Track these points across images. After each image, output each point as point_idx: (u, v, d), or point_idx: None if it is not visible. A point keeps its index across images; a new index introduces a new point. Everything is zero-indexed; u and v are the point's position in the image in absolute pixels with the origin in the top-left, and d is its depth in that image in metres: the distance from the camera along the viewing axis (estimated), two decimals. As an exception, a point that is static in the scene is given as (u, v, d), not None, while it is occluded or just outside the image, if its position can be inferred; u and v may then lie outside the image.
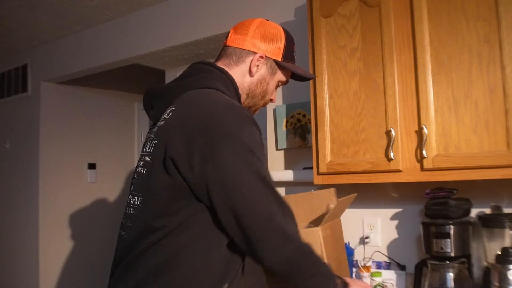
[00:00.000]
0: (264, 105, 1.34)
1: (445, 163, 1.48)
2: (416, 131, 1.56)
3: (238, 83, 1.24)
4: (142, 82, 3.63)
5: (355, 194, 1.59)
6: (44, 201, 3.38)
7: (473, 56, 1.46)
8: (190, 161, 1.02)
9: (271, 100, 1.33)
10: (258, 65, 1.25)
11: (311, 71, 1.79)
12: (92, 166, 3.69)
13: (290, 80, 1.39)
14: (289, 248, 1.04)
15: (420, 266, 1.65)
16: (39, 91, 3.47)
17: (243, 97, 1.26)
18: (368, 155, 1.64)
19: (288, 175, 2.10)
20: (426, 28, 1.54)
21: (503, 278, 1.42)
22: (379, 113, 1.62)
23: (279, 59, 1.27)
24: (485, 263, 1.56)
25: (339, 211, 1.53)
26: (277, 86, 1.33)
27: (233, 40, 1.26)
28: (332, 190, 1.56)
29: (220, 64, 1.26)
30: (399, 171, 1.58)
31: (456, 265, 1.54)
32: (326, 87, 1.75)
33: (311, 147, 1.84)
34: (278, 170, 2.21)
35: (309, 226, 1.49)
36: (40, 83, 3.47)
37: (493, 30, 1.43)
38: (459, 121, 1.47)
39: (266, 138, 2.30)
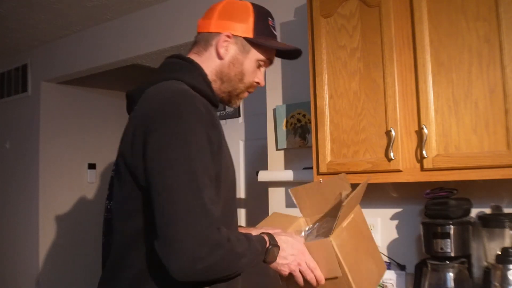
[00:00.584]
0: (248, 88, 1.22)
1: (445, 163, 1.48)
2: (416, 131, 1.56)
3: (209, 69, 1.16)
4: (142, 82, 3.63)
5: (369, 178, 1.41)
6: (44, 201, 3.38)
7: (473, 56, 1.46)
8: (133, 153, 1.01)
9: (257, 83, 1.23)
10: (226, 46, 1.16)
11: (311, 71, 1.79)
12: (92, 166, 3.70)
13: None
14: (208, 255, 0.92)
15: (420, 266, 1.65)
16: (39, 91, 3.47)
17: (217, 82, 1.18)
18: (368, 155, 1.64)
19: (288, 175, 2.10)
20: (426, 28, 1.54)
21: (503, 278, 1.42)
22: (379, 113, 1.62)
23: (250, 36, 1.16)
24: (485, 263, 1.56)
25: (356, 199, 1.31)
26: (259, 66, 1.21)
27: (201, 26, 1.20)
28: (343, 175, 1.41)
29: (191, 54, 1.20)
30: (399, 171, 1.58)
31: (456, 265, 1.54)
32: (326, 87, 1.75)
33: (311, 147, 1.84)
34: (278, 170, 2.21)
35: (327, 221, 1.37)
36: (40, 83, 3.47)
37: (493, 30, 1.43)
38: (459, 121, 1.47)
39: (266, 138, 2.30)
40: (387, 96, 1.60)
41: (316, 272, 1.15)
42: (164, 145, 0.95)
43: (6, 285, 3.57)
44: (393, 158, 1.57)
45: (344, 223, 1.23)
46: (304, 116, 2.15)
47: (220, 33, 1.16)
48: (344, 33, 1.71)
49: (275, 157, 2.25)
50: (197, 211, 0.91)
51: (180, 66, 1.15)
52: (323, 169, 1.72)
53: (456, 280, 1.52)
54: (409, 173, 1.57)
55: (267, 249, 1.08)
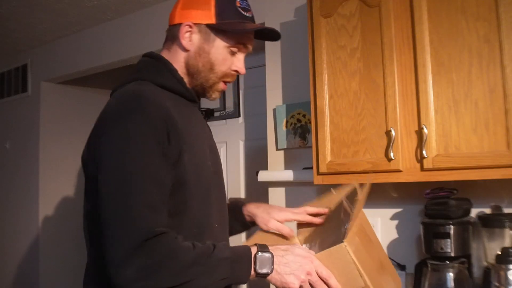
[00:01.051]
0: (223, 78, 1.14)
1: (445, 163, 1.48)
2: (416, 131, 1.56)
3: (178, 64, 1.12)
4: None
5: (370, 178, 1.33)
6: (44, 201, 3.38)
7: (473, 56, 1.46)
8: (88, 157, 1.03)
9: (236, 71, 1.14)
10: (188, 37, 1.10)
11: (311, 71, 1.78)
12: (92, 166, 3.69)
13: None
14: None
15: (420, 266, 1.65)
16: (39, 91, 3.47)
17: (188, 76, 1.13)
18: (368, 155, 1.64)
19: (288, 175, 2.10)
20: (426, 28, 1.54)
21: (503, 278, 1.42)
22: (379, 113, 1.62)
23: (213, 21, 1.08)
24: (485, 263, 1.56)
25: (362, 203, 1.22)
26: (233, 53, 1.12)
27: (169, 19, 1.16)
28: (355, 183, 1.28)
29: (163, 50, 1.16)
30: (399, 171, 1.58)
31: (456, 265, 1.54)
32: (326, 87, 1.74)
33: (311, 147, 1.84)
34: (278, 170, 2.21)
35: (327, 236, 1.21)
36: (40, 83, 3.47)
37: (493, 30, 1.43)
38: (459, 121, 1.47)
39: (266, 138, 2.30)
40: (387, 96, 1.60)
41: (331, 281, 0.96)
42: (105, 150, 0.95)
43: (6, 285, 3.57)
44: (393, 158, 1.57)
45: (355, 229, 1.07)
46: (304, 116, 2.15)
47: (181, 23, 1.10)
48: (344, 33, 1.71)
49: (275, 157, 2.25)
50: (122, 218, 0.88)
51: (147, 65, 1.13)
52: (323, 169, 1.72)
53: (456, 280, 1.52)
54: (409, 173, 1.57)
55: (254, 256, 0.94)
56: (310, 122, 2.10)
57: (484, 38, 1.45)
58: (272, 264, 0.95)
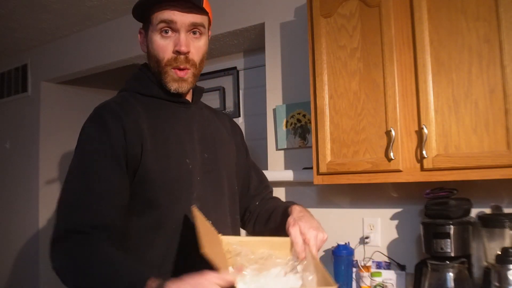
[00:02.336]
0: (170, 64, 1.10)
1: (445, 163, 1.48)
2: (416, 131, 1.56)
3: (151, 66, 1.16)
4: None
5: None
6: (44, 201, 3.38)
7: (473, 56, 1.46)
8: None
9: (178, 51, 1.08)
10: (140, 42, 1.18)
11: (311, 71, 1.79)
12: (92, 166, 3.68)
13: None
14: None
15: (420, 266, 1.65)
16: (39, 91, 3.46)
17: (157, 75, 1.14)
18: (368, 155, 1.64)
19: (288, 175, 2.10)
20: (426, 28, 1.54)
21: (503, 278, 1.42)
22: (379, 113, 1.62)
23: (134, 14, 1.15)
24: (485, 263, 1.56)
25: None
26: (164, 37, 1.09)
27: None
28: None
29: None
30: (399, 171, 1.58)
31: (456, 265, 1.54)
32: (326, 87, 1.74)
33: (311, 147, 1.84)
34: (278, 170, 2.21)
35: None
36: (40, 83, 3.47)
37: (493, 30, 1.43)
38: (459, 121, 1.47)
39: (266, 138, 2.30)
40: (387, 96, 1.60)
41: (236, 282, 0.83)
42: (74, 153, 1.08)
43: (6, 285, 3.57)
44: (393, 158, 1.57)
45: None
46: (304, 116, 2.15)
47: None
48: (344, 33, 1.71)
49: (275, 157, 2.25)
50: (61, 211, 1.01)
51: (132, 75, 1.21)
52: (323, 169, 1.72)
53: (456, 280, 1.52)
54: (409, 173, 1.57)
55: None
56: (310, 122, 2.10)
57: (484, 38, 1.45)
58: None
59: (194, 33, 1.11)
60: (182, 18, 1.08)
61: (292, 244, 1.03)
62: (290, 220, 1.06)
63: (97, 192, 1.00)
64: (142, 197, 1.06)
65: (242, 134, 1.46)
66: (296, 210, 1.14)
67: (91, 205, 0.99)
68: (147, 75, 1.16)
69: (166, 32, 1.08)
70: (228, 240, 1.04)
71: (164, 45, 1.09)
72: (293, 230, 1.03)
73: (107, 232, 0.99)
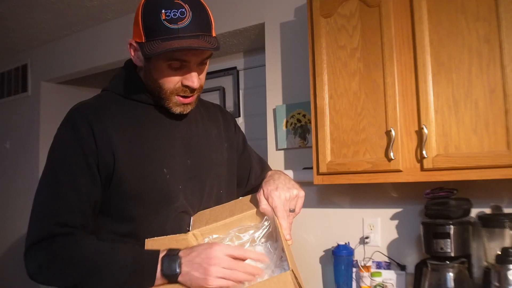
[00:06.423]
0: (175, 93, 1.05)
1: (445, 163, 1.48)
2: (416, 131, 1.56)
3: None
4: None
5: None
6: (44, 201, 3.38)
7: (473, 56, 1.46)
8: None
9: (187, 86, 1.03)
10: (133, 55, 1.06)
11: (311, 71, 1.78)
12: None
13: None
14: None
15: (420, 266, 1.65)
16: (39, 91, 3.46)
17: (154, 95, 1.08)
18: (368, 155, 1.64)
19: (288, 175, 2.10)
20: (426, 28, 1.54)
21: (503, 278, 1.42)
22: (379, 113, 1.62)
23: (143, 40, 0.98)
24: (485, 263, 1.56)
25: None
26: (175, 69, 1.02)
27: None
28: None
29: None
30: (399, 171, 1.58)
31: (456, 265, 1.54)
32: (326, 87, 1.74)
33: (311, 147, 1.84)
34: (278, 170, 2.21)
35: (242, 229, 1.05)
36: (40, 83, 3.47)
37: (493, 30, 1.43)
38: (459, 121, 1.47)
39: (266, 138, 2.30)
40: (387, 96, 1.60)
41: (248, 255, 0.93)
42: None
43: (6, 285, 3.57)
44: (393, 158, 1.57)
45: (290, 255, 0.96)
46: (304, 116, 2.15)
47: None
48: (344, 33, 1.71)
49: (275, 157, 2.25)
50: (33, 216, 1.01)
51: (115, 75, 1.16)
52: (323, 169, 1.72)
53: (456, 280, 1.52)
54: (409, 173, 1.57)
55: (162, 259, 0.91)
56: (310, 122, 2.10)
57: (484, 38, 1.45)
58: (180, 266, 0.90)
59: (202, 63, 1.05)
60: (196, 59, 1.01)
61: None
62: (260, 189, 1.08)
63: (66, 199, 0.99)
64: (117, 208, 1.03)
65: (236, 122, 1.38)
66: (267, 176, 1.16)
67: (61, 212, 0.98)
68: (135, 78, 1.10)
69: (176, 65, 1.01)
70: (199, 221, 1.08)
71: (175, 78, 1.03)
72: (258, 195, 1.06)
73: (80, 232, 1.00)
